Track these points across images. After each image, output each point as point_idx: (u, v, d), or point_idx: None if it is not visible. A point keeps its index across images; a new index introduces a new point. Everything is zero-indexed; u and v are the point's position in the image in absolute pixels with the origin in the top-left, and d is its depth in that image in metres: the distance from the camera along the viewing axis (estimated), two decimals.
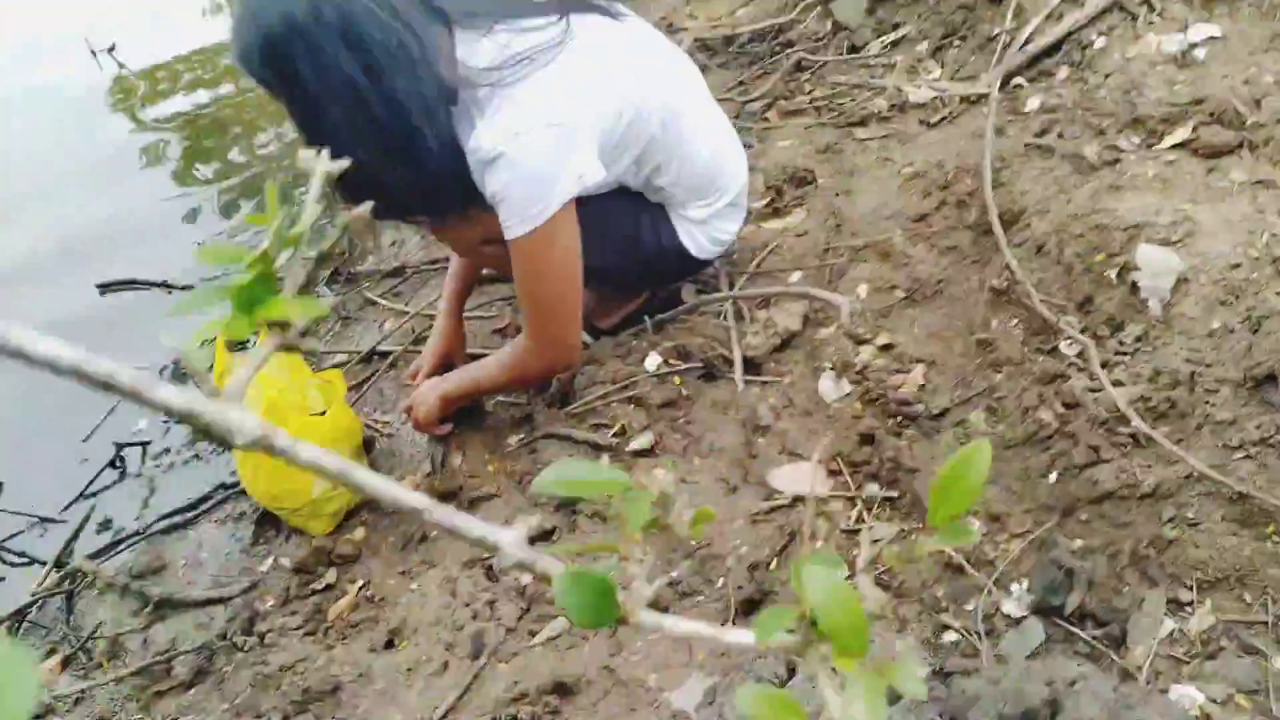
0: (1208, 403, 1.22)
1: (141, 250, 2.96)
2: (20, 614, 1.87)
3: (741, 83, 2.82)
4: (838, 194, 2.10)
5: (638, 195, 1.71)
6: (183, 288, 2.70)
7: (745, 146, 2.43)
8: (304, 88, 1.30)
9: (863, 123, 2.32)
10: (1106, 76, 2.00)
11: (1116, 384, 1.29)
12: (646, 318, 1.83)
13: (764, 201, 2.20)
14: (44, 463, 2.27)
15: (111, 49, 4.29)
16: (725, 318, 1.84)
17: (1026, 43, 2.23)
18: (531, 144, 1.36)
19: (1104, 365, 1.34)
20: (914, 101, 2.29)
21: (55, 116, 4.03)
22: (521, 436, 1.80)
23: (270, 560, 1.83)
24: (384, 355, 2.26)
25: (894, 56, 2.58)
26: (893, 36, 2.65)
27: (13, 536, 2.13)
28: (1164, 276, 1.36)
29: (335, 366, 2.30)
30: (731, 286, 1.94)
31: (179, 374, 2.32)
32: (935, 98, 2.26)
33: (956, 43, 2.50)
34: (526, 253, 1.45)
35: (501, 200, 1.40)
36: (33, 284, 2.99)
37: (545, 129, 1.37)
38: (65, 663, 1.76)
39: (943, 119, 2.20)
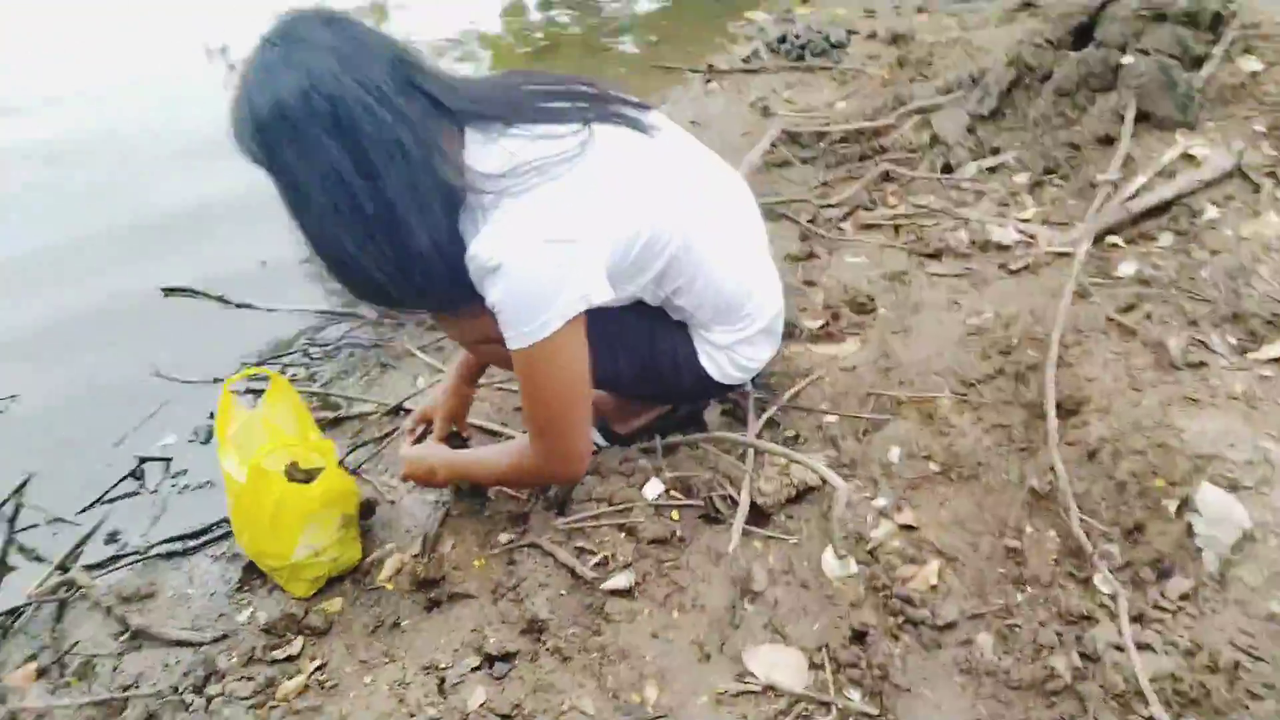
0: (1247, 706, 0.99)
1: (240, 228, 2.94)
2: (14, 613, 1.79)
3: (825, 184, 2.64)
4: (895, 331, 1.92)
5: (660, 310, 1.56)
6: (238, 305, 2.64)
7: (811, 258, 2.29)
8: (291, 174, 1.21)
9: (938, 255, 2.12)
10: (1213, 254, 1.78)
11: (1145, 648, 1.08)
12: (658, 436, 1.66)
13: (819, 322, 2.03)
14: (75, 461, 2.23)
15: (224, 49, 4.40)
16: (743, 455, 1.66)
17: (1131, 197, 2.01)
18: (531, 258, 1.25)
19: (1137, 619, 1.13)
20: (996, 241, 2.09)
21: (167, 104, 4.10)
22: (511, 538, 1.66)
23: (249, 611, 1.73)
24: (410, 411, 2.14)
25: (988, 183, 2.38)
26: (990, 162, 2.44)
27: (29, 528, 2.07)
28: (1225, 528, 1.15)
29: (361, 415, 2.21)
30: (762, 412, 1.76)
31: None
32: (1020, 241, 2.05)
33: (1057, 181, 2.29)
34: (527, 365, 1.34)
35: (500, 311, 1.29)
36: (127, 260, 2.97)
37: (546, 244, 1.25)
38: (40, 673, 1.68)
39: (1024, 267, 1.99)
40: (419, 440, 1.87)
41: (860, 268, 2.20)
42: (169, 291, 2.77)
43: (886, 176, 2.54)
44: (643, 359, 1.59)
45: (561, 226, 1.25)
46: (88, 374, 2.49)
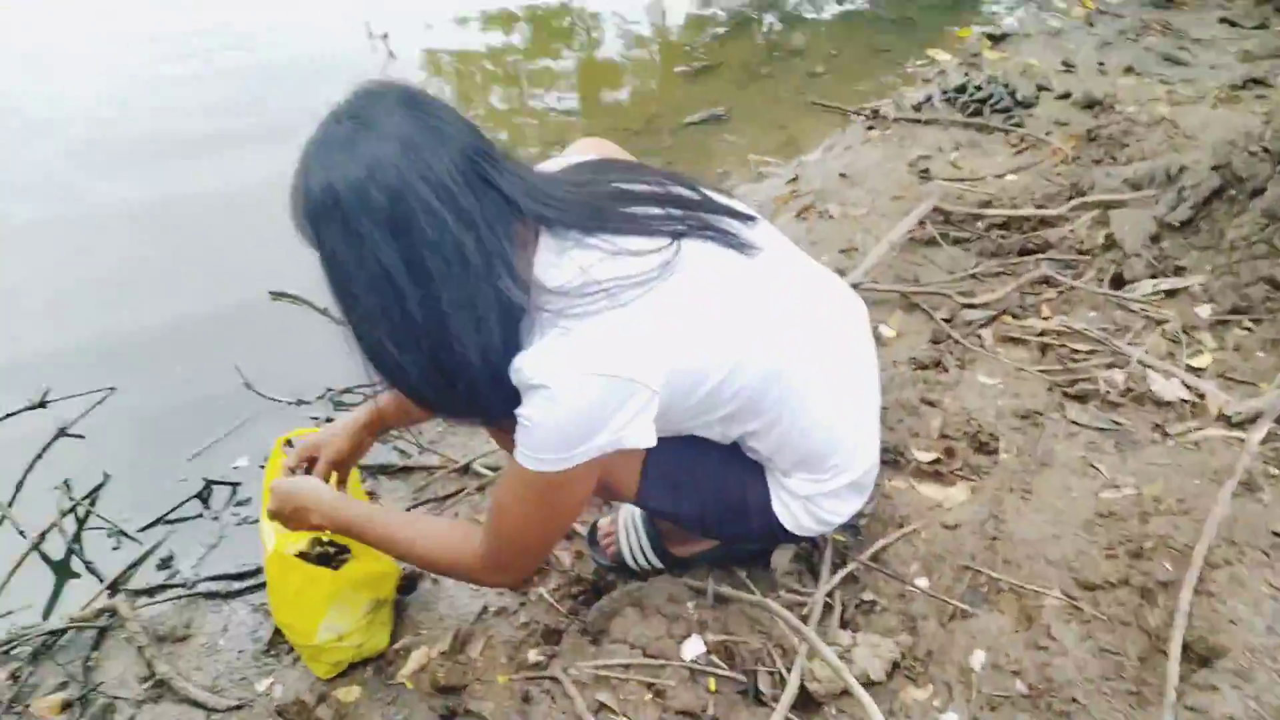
0: None
1: None
2: (56, 634, 1.85)
3: (974, 275, 2.41)
4: (1014, 488, 1.72)
5: (733, 444, 1.44)
6: (339, 322, 2.64)
7: (937, 367, 2.09)
8: (338, 265, 1.13)
9: (1083, 398, 1.89)
10: None
11: None
12: (711, 581, 1.54)
13: (930, 455, 1.84)
14: (150, 469, 2.31)
15: (385, 36, 4.51)
16: (809, 615, 1.51)
17: None
18: (577, 389, 1.14)
19: None
20: (1156, 395, 1.84)
21: (327, 85, 4.20)
22: (539, 659, 1.58)
23: (268, 681, 1.73)
24: (479, 474, 2.09)
25: (1162, 309, 2.10)
26: (1170, 284, 2.16)
27: (95, 529, 2.15)
28: None
29: (428, 469, 2.17)
30: (840, 564, 1.61)
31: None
32: (1186, 403, 1.79)
33: (1247, 324, 2.00)
34: (526, 482, 1.24)
35: (524, 428, 1.19)
36: (242, 260, 3.06)
37: (597, 378, 1.14)
38: (65, 706, 1.73)
39: (1186, 436, 1.74)
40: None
41: (991, 393, 1.98)
42: (276, 296, 2.82)
43: (1046, 280, 2.30)
44: (707, 498, 1.47)
45: (618, 361, 1.15)
46: (184, 376, 2.58)
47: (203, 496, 2.19)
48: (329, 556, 1.69)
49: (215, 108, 4.03)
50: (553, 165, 1.36)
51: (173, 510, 2.16)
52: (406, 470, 2.21)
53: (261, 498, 1.63)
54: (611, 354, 1.15)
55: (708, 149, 3.46)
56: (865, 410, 1.49)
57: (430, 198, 1.08)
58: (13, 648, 1.82)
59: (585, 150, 1.52)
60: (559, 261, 1.18)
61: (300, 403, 2.46)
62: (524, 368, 1.15)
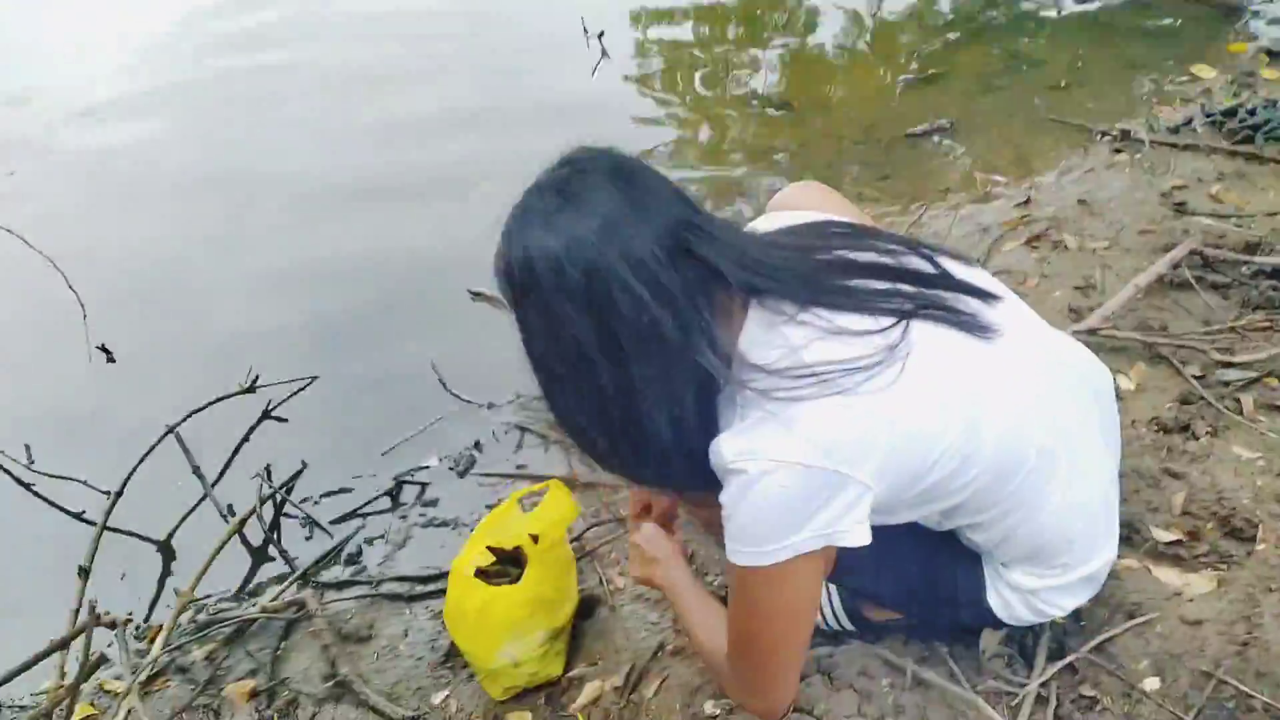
0: None
1: None
2: (249, 621, 1.97)
3: (1234, 329, 2.18)
4: (1272, 588, 1.54)
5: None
6: None
7: (1184, 432, 1.90)
8: (532, 332, 1.13)
9: None
10: None
11: None
12: (911, 666, 1.46)
13: (1171, 536, 1.68)
14: (345, 461, 2.43)
15: (600, 35, 4.62)
16: (1020, 707, 1.40)
17: None
18: (780, 480, 1.08)
19: None
20: None
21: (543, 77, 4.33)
22: (716, 713, 1.55)
23: (444, 694, 1.78)
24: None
25: None
26: None
27: (290, 519, 2.29)
28: None
29: (611, 486, 2.17)
30: (1058, 652, 1.49)
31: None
32: None
33: None
34: (744, 584, 1.19)
35: (729, 518, 1.15)
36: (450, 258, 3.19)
37: (801, 468, 1.08)
38: (253, 694, 1.83)
39: None
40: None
41: (1249, 470, 1.79)
42: (476, 296, 2.92)
43: None
44: (915, 584, 1.39)
45: (829, 453, 1.08)
46: (383, 369, 2.70)
47: (392, 494, 2.30)
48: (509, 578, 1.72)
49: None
50: (769, 223, 1.31)
51: (364, 505, 2.27)
52: (590, 485, 2.23)
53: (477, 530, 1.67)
54: (818, 442, 1.08)
55: (929, 164, 3.31)
56: (1107, 500, 1.37)
57: (628, 275, 1.05)
58: (211, 630, 1.96)
59: (801, 200, 1.46)
60: (767, 338, 1.13)
61: (491, 405, 2.53)
62: (723, 450, 1.11)
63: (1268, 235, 2.48)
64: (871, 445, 1.10)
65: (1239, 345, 2.16)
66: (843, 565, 1.36)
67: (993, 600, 1.38)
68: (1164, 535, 1.69)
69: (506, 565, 1.74)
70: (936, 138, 3.45)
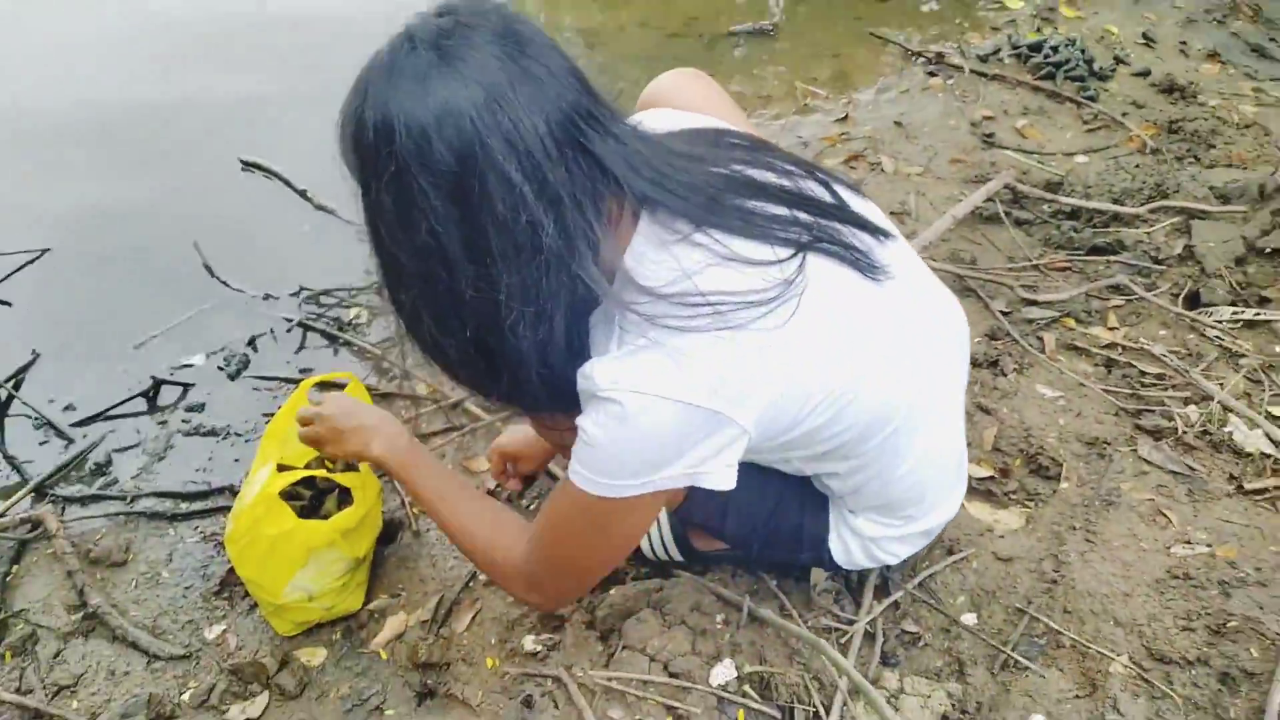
0: None
1: None
2: None
3: (1037, 266, 2.31)
4: (1076, 526, 1.65)
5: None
6: (318, 207, 2.45)
7: (994, 367, 2.01)
8: (381, 214, 0.97)
9: (1157, 433, 1.82)
10: None
11: None
12: (748, 602, 1.45)
13: (984, 472, 1.76)
14: (89, 351, 2.13)
15: None
16: (849, 644, 1.44)
17: None
18: (655, 413, 1.00)
19: None
20: (1234, 443, 1.78)
21: None
22: (537, 649, 1.49)
23: (220, 628, 1.62)
24: (471, 414, 1.97)
25: (1239, 341, 2.04)
26: (1251, 314, 2.09)
27: (19, 418, 1.99)
28: None
29: (415, 398, 2.04)
30: (882, 589, 1.54)
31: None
32: (1267, 457, 1.74)
33: None
34: (577, 504, 1.11)
35: (584, 445, 1.06)
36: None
37: (681, 405, 1.01)
38: None
39: (1264, 494, 1.69)
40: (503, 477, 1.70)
41: (1052, 409, 1.91)
42: (247, 165, 2.61)
43: (1115, 287, 2.22)
44: (758, 522, 1.38)
45: (714, 393, 1.01)
46: (134, 244, 2.37)
47: (149, 395, 2.03)
48: (307, 509, 1.56)
49: None
50: (654, 121, 1.18)
51: (114, 408, 2.00)
52: (388, 396, 2.08)
53: (264, 437, 1.51)
54: (704, 381, 1.01)
55: (751, 68, 3.27)
56: (960, 455, 1.40)
57: (509, 165, 0.91)
58: None
59: (685, 94, 1.34)
60: (658, 257, 1.03)
61: (269, 298, 2.28)
62: (596, 376, 1.01)
63: (1067, 175, 2.65)
64: (757, 388, 1.04)
65: (1042, 283, 2.29)
66: (690, 501, 1.33)
67: (834, 544, 1.39)
68: (977, 471, 1.78)
69: (298, 486, 1.58)
70: (758, 38, 3.42)
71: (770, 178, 1.12)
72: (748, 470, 1.26)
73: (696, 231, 1.04)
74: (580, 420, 1.05)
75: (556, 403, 1.10)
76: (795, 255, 1.06)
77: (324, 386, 1.66)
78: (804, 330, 1.05)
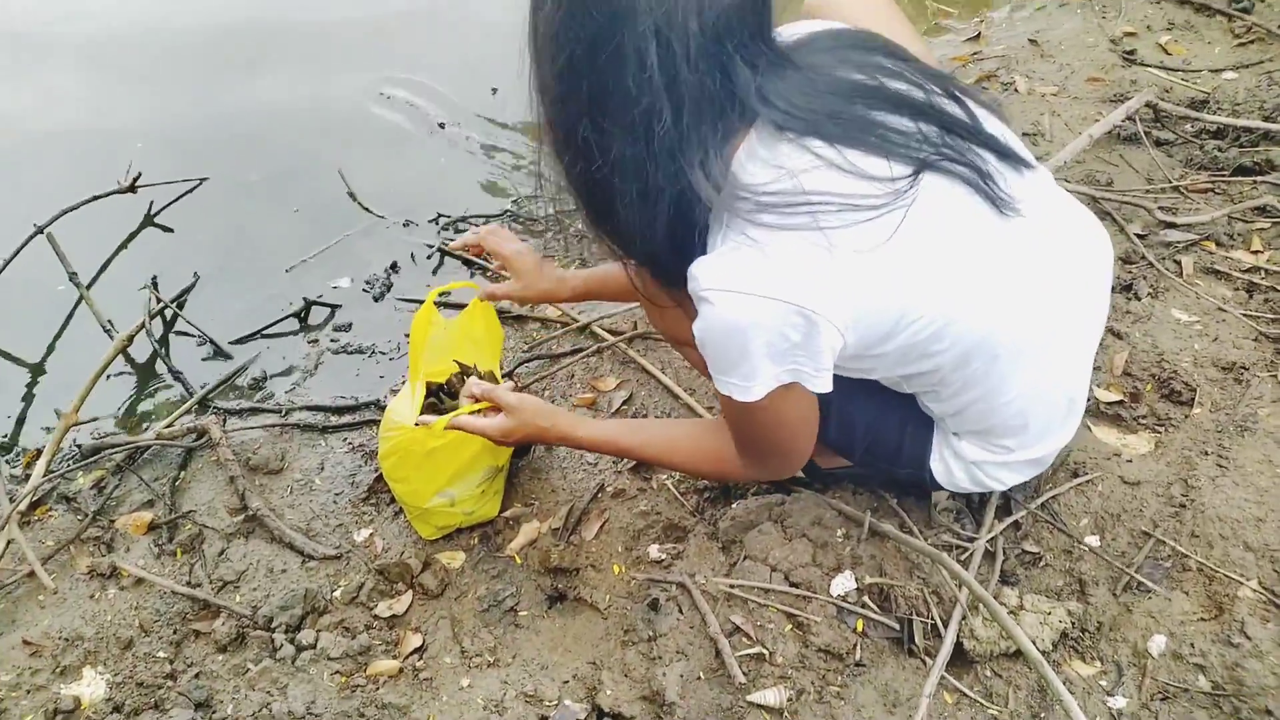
0: None
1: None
2: (138, 451, 1.84)
3: (1177, 188, 2.22)
4: (1208, 451, 1.61)
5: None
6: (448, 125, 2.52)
7: (1127, 291, 1.95)
8: (541, 25, 1.02)
9: None
10: None
11: None
12: (869, 518, 1.47)
13: (1113, 396, 1.73)
14: (244, 275, 2.26)
15: None
16: (969, 562, 1.45)
17: None
18: (744, 311, 1.03)
19: None
20: None
21: None
22: (662, 558, 1.55)
23: (368, 531, 1.72)
24: (596, 336, 2.03)
25: None
26: None
27: (182, 335, 2.13)
28: None
29: (545, 320, 2.10)
30: (1004, 510, 1.54)
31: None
32: None
33: None
34: (733, 408, 1.16)
35: (702, 345, 1.10)
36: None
37: (776, 304, 1.02)
38: (151, 526, 1.73)
39: None
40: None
41: (1187, 334, 1.85)
42: (388, 96, 2.70)
43: (1262, 210, 2.11)
44: (857, 432, 1.40)
45: (804, 293, 1.02)
46: (284, 176, 2.49)
47: (300, 316, 2.16)
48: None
49: None
50: (809, 26, 1.18)
51: (268, 327, 2.13)
52: (520, 319, 2.15)
53: (410, 355, 1.58)
54: (796, 279, 1.02)
55: None
56: (1075, 391, 1.35)
57: (648, 48, 0.94)
58: (100, 458, 1.82)
59: (850, 6, 1.31)
60: (765, 155, 1.04)
61: (409, 224, 2.38)
62: (697, 274, 1.04)
63: (1214, 93, 2.51)
64: (850, 295, 1.04)
65: (1181, 205, 2.19)
66: None
67: (936, 466, 1.39)
68: (1106, 396, 1.74)
69: (442, 397, 1.67)
70: None
71: (901, 86, 1.10)
72: (856, 381, 1.29)
73: (809, 137, 1.04)
74: (694, 326, 1.08)
75: (668, 278, 1.14)
76: (914, 174, 1.05)
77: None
78: (908, 245, 1.05)
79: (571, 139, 1.04)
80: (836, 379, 1.14)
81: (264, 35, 2.97)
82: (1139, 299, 1.95)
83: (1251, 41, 2.72)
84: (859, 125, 1.06)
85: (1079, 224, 1.29)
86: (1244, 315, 1.88)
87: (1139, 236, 2.11)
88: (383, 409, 1.91)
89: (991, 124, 1.16)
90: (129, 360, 2.08)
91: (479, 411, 1.48)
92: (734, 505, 1.59)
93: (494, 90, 2.68)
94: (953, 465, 1.39)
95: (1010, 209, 1.12)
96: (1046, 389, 1.29)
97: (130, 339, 2.03)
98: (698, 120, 1.00)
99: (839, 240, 1.02)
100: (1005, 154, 1.15)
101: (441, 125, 2.59)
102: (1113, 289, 1.98)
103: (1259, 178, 2.20)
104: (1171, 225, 2.12)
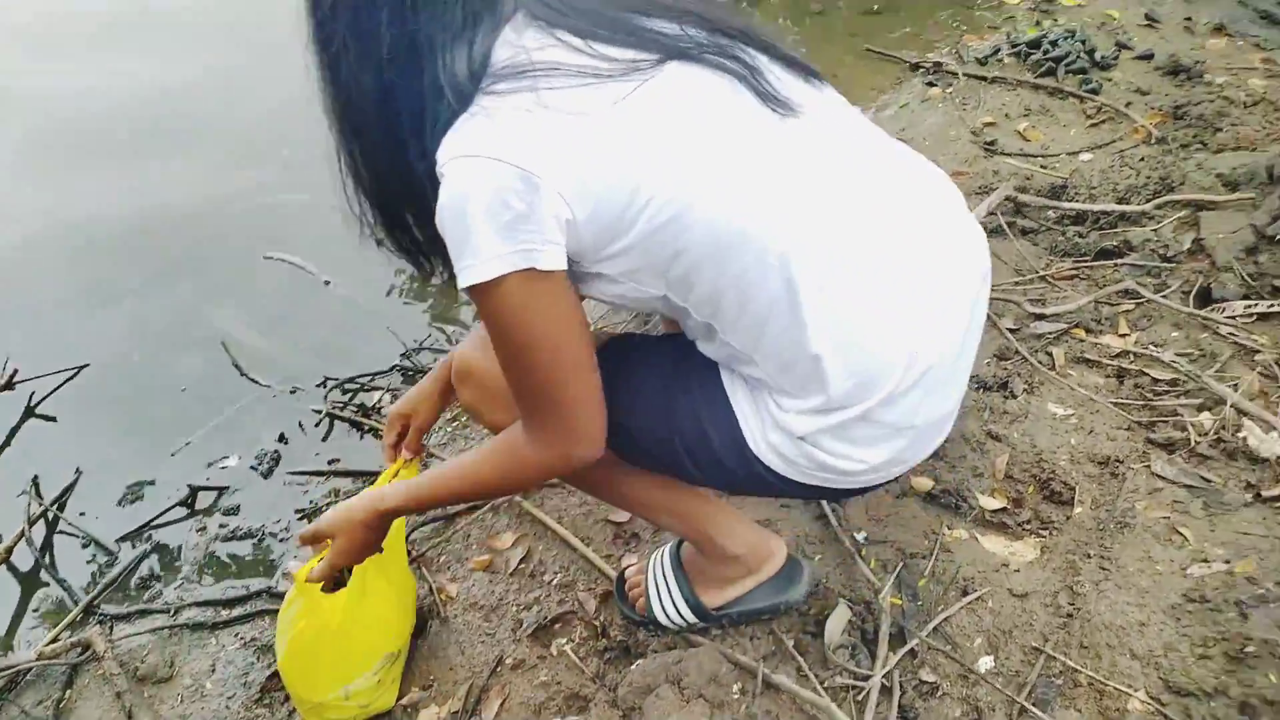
0: None
1: None
2: (18, 675, 1.78)
3: (1044, 277, 2.29)
4: (1090, 554, 1.64)
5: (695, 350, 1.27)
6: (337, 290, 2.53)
7: (1003, 390, 1.99)
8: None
9: (1169, 445, 1.80)
10: None
11: None
12: (761, 669, 1.46)
13: (996, 504, 1.76)
14: (128, 463, 2.22)
15: None
16: (865, 702, 1.45)
17: None
18: (476, 176, 1.01)
19: None
20: (1249, 449, 1.74)
21: None
22: None
23: None
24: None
25: (1254, 336, 2.00)
26: (1264, 306, 2.05)
27: (68, 535, 2.08)
28: None
29: None
30: (899, 637, 1.54)
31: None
32: None
33: None
34: (483, 311, 1.09)
35: (443, 232, 1.06)
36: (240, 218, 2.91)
37: (499, 165, 1.00)
38: None
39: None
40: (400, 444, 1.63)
41: (1063, 428, 1.89)
42: (270, 258, 2.70)
43: (1125, 291, 2.18)
44: (660, 431, 1.27)
45: (520, 152, 1.00)
46: (165, 352, 2.47)
47: (187, 503, 2.12)
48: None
49: None
50: None
51: (155, 519, 2.08)
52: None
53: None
54: (516, 139, 1.01)
55: None
56: (923, 344, 1.17)
57: None
58: None
59: None
60: (512, 39, 1.06)
61: (296, 390, 2.36)
62: (438, 156, 1.04)
63: (1071, 177, 2.61)
64: (572, 161, 1.02)
65: (1050, 295, 2.27)
66: (620, 440, 1.26)
67: (758, 446, 1.22)
68: (990, 503, 1.77)
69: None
70: None
71: (672, 2, 1.12)
72: (646, 360, 1.30)
73: (559, 29, 1.06)
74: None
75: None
76: (660, 59, 1.06)
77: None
78: (640, 116, 1.04)
79: (328, 46, 1.06)
80: (619, 391, 1.17)
81: (146, 211, 2.97)
82: (1015, 397, 2.00)
83: (1102, 121, 2.85)
84: (614, 24, 1.08)
85: (910, 162, 1.24)
86: (1115, 404, 1.93)
87: (1011, 331, 2.17)
88: (275, 596, 1.88)
89: (781, 47, 1.17)
90: (11, 570, 2.02)
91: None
92: (633, 667, 1.57)
93: (378, 242, 2.69)
94: (782, 445, 1.21)
95: (783, 107, 1.09)
96: (861, 329, 1.13)
97: (9, 550, 1.97)
98: (439, 12, 1.03)
99: (557, 102, 1.02)
100: (795, 65, 1.15)
101: (327, 283, 2.59)
102: (990, 388, 2.04)
103: (1119, 260, 2.29)
104: (1041, 316, 2.18)
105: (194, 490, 2.11)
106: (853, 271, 1.12)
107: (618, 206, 1.04)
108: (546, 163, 1.00)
